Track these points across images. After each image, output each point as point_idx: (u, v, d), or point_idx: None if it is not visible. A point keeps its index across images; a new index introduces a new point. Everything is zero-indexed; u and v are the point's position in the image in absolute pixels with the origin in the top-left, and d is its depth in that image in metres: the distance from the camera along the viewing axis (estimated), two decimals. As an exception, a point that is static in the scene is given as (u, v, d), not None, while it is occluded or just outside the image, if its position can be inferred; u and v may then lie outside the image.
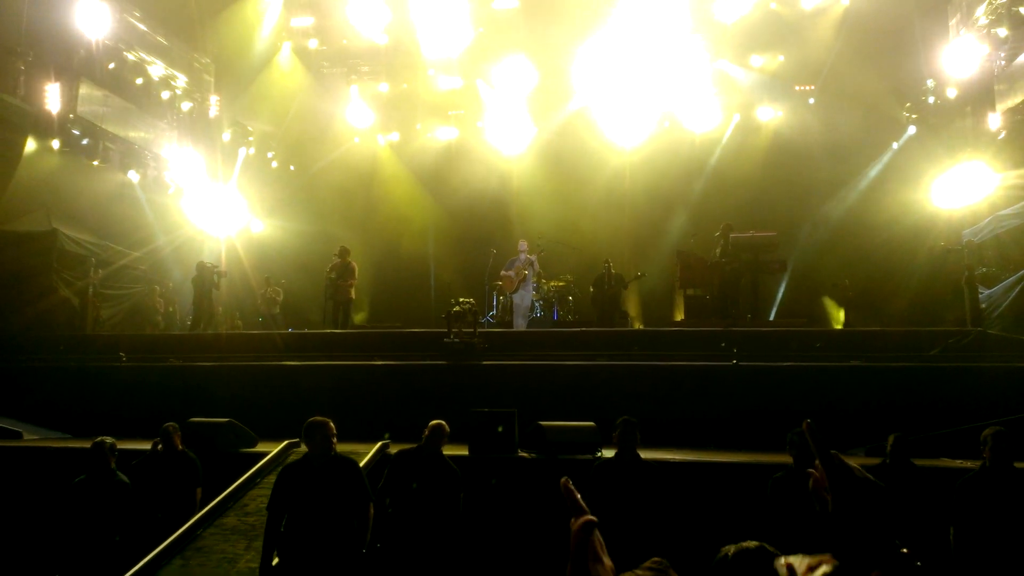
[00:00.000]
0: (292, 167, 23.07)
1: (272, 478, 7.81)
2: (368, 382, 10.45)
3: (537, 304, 16.53)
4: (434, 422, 6.27)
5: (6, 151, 14.52)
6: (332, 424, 5.58)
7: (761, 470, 6.49)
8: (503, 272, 15.19)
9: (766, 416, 8.70)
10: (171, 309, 17.89)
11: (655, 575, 1.71)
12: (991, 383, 8.90)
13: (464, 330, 10.94)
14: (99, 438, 6.61)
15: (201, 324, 15.39)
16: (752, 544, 2.07)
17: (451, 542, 6.06)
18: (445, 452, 6.30)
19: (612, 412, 6.61)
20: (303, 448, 8.33)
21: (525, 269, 14.85)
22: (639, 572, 1.73)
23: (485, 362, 10.65)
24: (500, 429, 7.81)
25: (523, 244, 15.21)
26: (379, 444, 8.03)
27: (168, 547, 6.42)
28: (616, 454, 6.09)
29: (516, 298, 14.93)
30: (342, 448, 5.91)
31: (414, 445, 6.36)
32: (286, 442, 8.42)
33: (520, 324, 14.89)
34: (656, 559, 1.87)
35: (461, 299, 11.57)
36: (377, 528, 5.78)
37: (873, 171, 18.91)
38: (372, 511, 5.61)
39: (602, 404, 8.91)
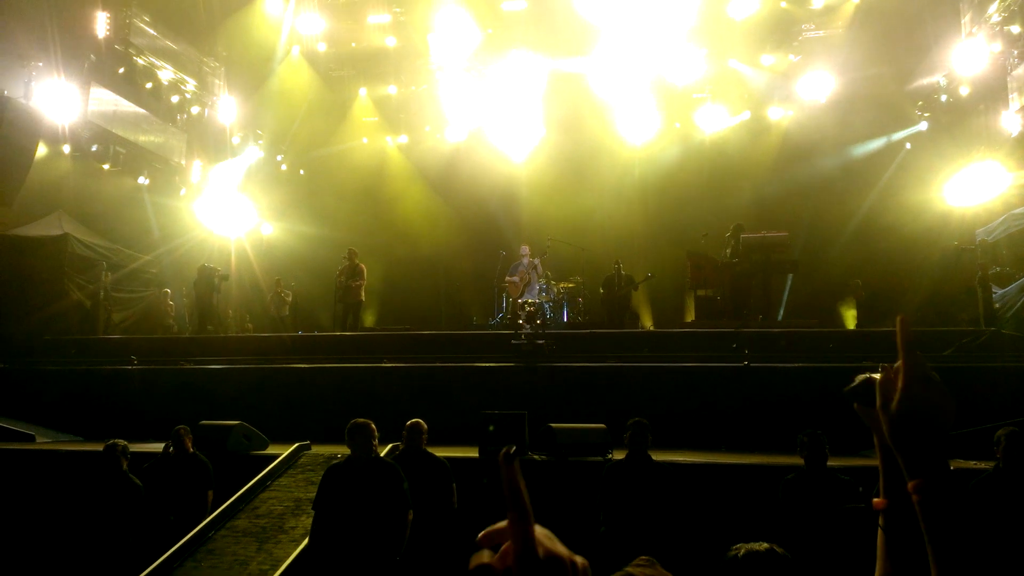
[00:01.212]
0: (301, 170, 23.15)
1: (283, 480, 7.89)
2: (381, 384, 10.45)
3: (547, 305, 16.51)
4: (410, 421, 6.39)
5: (18, 156, 14.62)
6: (373, 425, 5.65)
7: (772, 472, 6.46)
8: (508, 278, 15.17)
9: (777, 417, 8.66)
10: (182, 312, 17.95)
11: (644, 571, 1.72)
12: (1005, 383, 8.82)
13: (537, 330, 10.92)
14: (111, 441, 6.68)
15: (206, 327, 15.44)
16: (762, 546, 2.08)
17: (448, 534, 6.09)
18: (459, 455, 6.33)
19: (623, 413, 6.60)
20: (313, 451, 8.45)
21: (529, 273, 14.83)
22: (629, 570, 1.74)
23: (557, 364, 10.57)
24: (491, 428, 7.82)
25: (525, 248, 15.19)
26: (389, 447, 8.04)
27: (180, 549, 6.47)
28: (627, 455, 6.08)
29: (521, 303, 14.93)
30: (342, 451, 5.94)
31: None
32: (296, 444, 8.46)
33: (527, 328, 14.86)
34: (644, 557, 1.87)
35: (528, 300, 11.62)
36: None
37: (884, 169, 18.80)
38: (411, 517, 5.64)
39: (613, 405, 8.90)
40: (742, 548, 2.09)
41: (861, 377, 1.59)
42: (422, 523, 5.98)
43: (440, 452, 6.67)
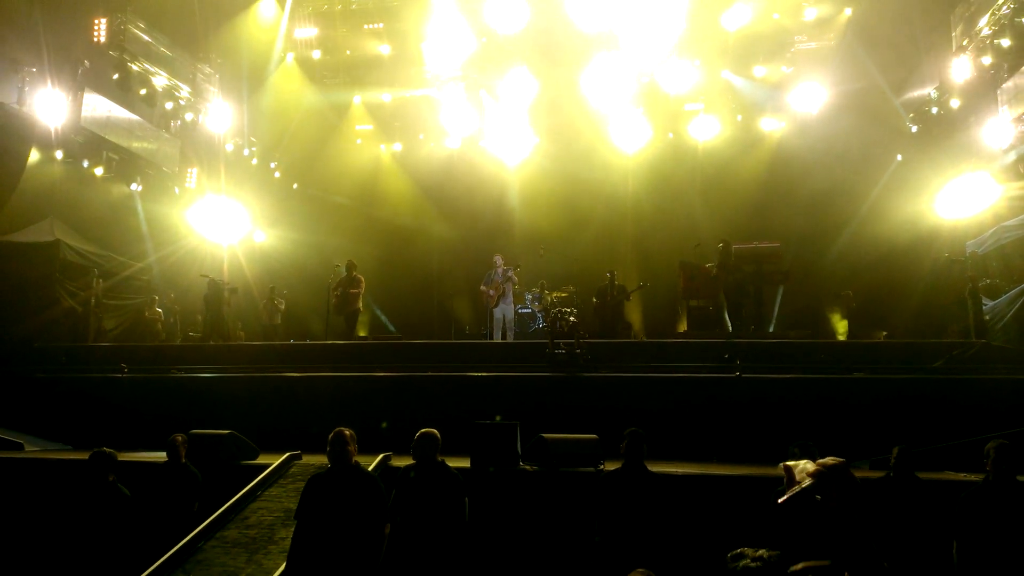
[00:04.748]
0: (295, 177, 23.14)
1: (273, 490, 7.85)
2: (373, 393, 10.43)
3: (539, 315, 16.54)
4: (421, 431, 6.16)
5: (10, 161, 14.58)
6: (348, 432, 5.62)
7: (764, 483, 6.46)
8: (481, 287, 15.18)
9: (769, 428, 8.68)
10: (172, 320, 17.88)
11: None
12: (995, 395, 8.86)
13: (568, 341, 10.93)
14: (97, 449, 6.59)
15: (211, 340, 15.40)
16: (764, 554, 2.06)
17: (458, 550, 6.01)
18: (450, 464, 6.25)
19: (615, 423, 6.60)
20: (304, 460, 8.42)
21: (503, 284, 14.88)
22: None
23: (550, 374, 10.57)
24: (497, 419, 7.86)
25: (498, 259, 15.22)
26: (380, 456, 8.02)
27: (169, 560, 6.42)
28: (623, 465, 6.07)
29: (496, 312, 14.95)
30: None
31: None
32: (287, 454, 8.42)
33: (508, 338, 14.89)
34: (641, 570, 1.88)
35: (565, 309, 11.64)
36: (388, 545, 5.75)
37: (875, 181, 18.87)
38: (388, 530, 5.59)
39: (604, 416, 8.90)
40: (742, 559, 2.10)
41: (796, 487, 1.59)
42: (431, 537, 5.87)
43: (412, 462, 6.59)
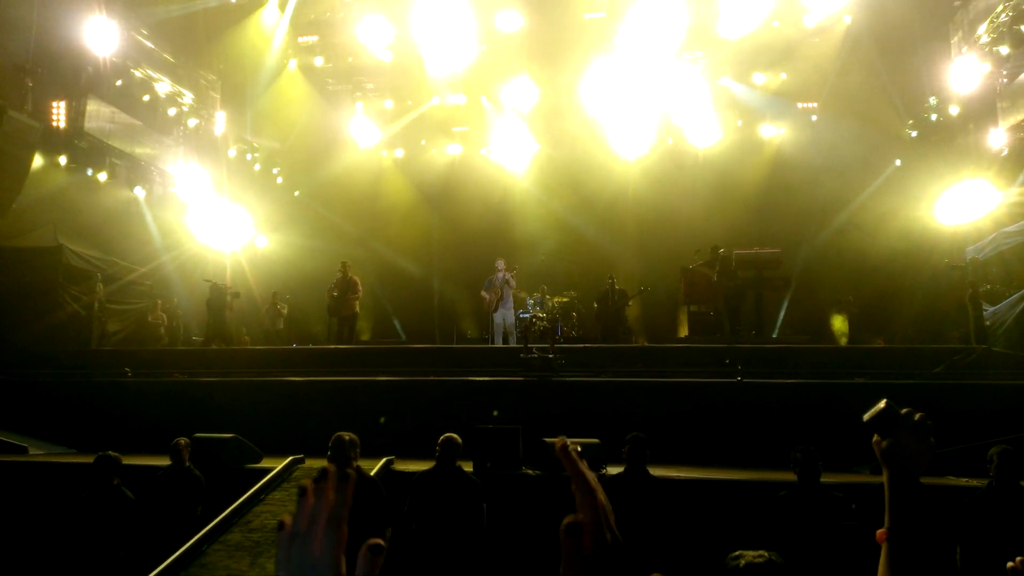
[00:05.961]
0: (297, 183, 23.20)
1: (277, 494, 7.87)
2: (375, 397, 10.45)
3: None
4: (445, 435, 6.24)
5: (14, 167, 14.60)
6: (348, 438, 5.65)
7: (765, 488, 6.48)
8: (482, 292, 15.21)
9: (770, 433, 8.70)
10: (175, 324, 17.90)
11: None
12: (996, 400, 8.87)
13: (541, 345, 10.98)
14: (102, 453, 6.62)
15: (213, 344, 15.44)
16: (763, 556, 2.09)
17: (475, 555, 6.04)
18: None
19: (617, 428, 6.62)
20: (307, 464, 8.44)
21: (502, 287, 14.90)
22: None
23: (553, 378, 10.52)
24: (495, 413, 7.88)
25: (500, 263, 15.25)
26: (383, 460, 8.04)
27: (173, 563, 6.43)
28: (625, 470, 6.09)
29: (496, 317, 14.97)
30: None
31: (430, 463, 6.31)
32: (290, 458, 8.44)
33: (511, 342, 14.90)
34: (657, 575, 1.88)
35: (539, 315, 11.65)
36: (404, 550, 5.74)
37: (875, 187, 18.92)
38: (388, 534, 5.61)
39: (605, 420, 8.92)
40: (742, 559, 2.09)
41: (881, 405, 1.62)
42: (449, 542, 5.90)
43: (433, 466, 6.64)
